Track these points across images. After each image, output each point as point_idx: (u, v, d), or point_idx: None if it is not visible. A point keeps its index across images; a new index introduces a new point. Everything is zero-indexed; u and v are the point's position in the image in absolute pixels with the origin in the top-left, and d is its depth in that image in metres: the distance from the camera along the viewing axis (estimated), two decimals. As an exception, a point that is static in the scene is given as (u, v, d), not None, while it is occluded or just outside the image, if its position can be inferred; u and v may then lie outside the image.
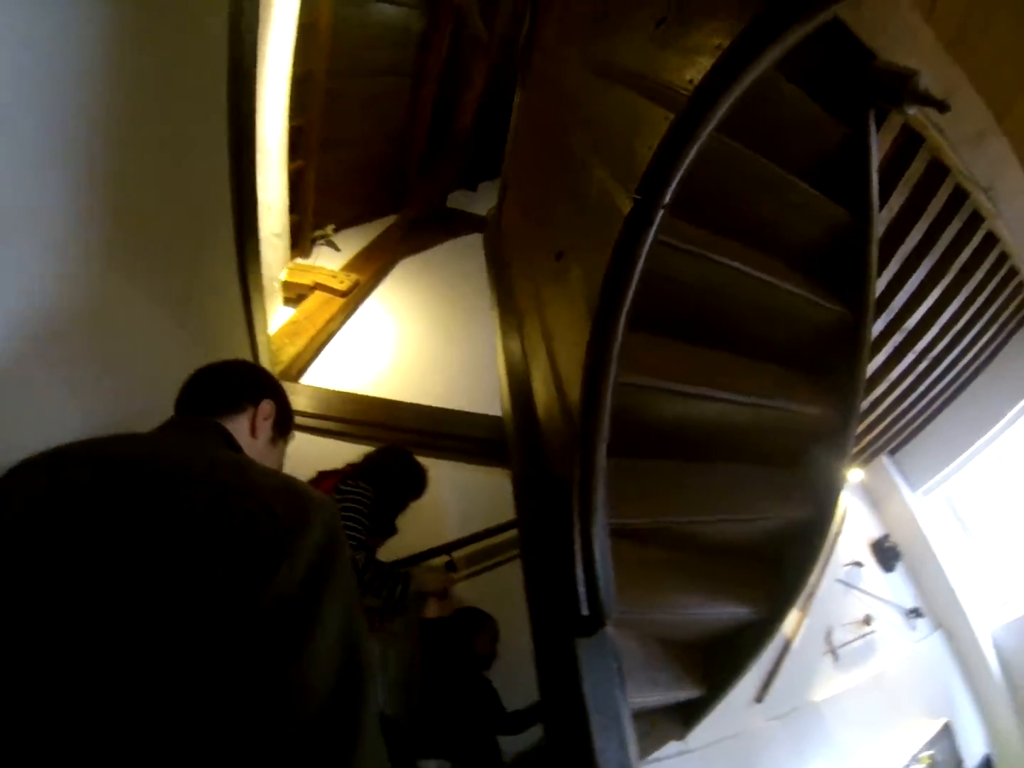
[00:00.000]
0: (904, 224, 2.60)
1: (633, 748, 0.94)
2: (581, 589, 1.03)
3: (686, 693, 1.66)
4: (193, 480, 0.64)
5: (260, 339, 2.10)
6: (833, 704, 2.85)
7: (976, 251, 3.08)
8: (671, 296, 1.22)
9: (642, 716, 1.77)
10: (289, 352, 2.55)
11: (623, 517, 1.21)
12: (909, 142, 2.39)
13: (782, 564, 1.62)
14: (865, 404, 3.50)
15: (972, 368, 4.12)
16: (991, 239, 3.08)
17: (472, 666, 1.89)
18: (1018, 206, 2.74)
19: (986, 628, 4.02)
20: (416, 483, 1.83)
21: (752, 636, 1.70)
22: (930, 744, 3.00)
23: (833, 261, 1.59)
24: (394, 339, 2.74)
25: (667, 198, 1.02)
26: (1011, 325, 3.97)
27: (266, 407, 0.98)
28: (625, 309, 1.00)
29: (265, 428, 0.97)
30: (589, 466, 1.02)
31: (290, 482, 0.70)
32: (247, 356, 2.07)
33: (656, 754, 1.98)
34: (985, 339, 3.87)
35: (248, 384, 1.02)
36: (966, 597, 4.08)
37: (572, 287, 1.14)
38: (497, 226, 1.93)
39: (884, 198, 2.39)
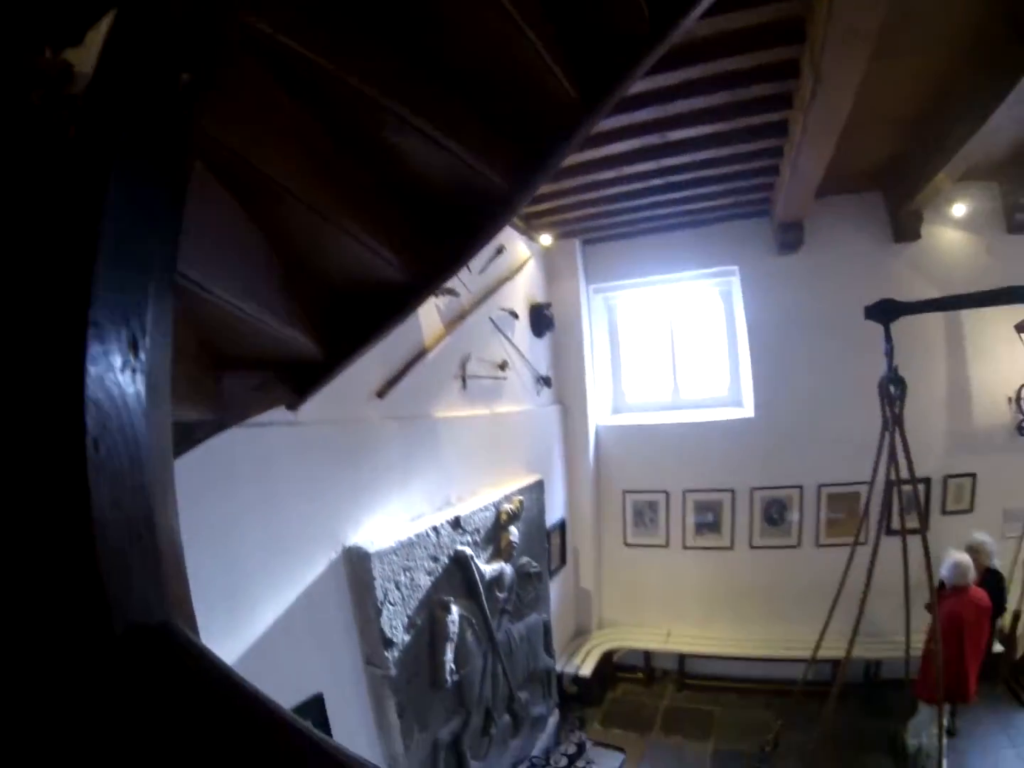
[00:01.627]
0: (732, 44, 2.51)
1: (159, 343, 0.64)
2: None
3: (302, 342, 1.59)
4: None
5: None
6: (449, 425, 3.20)
7: (767, 125, 3.23)
8: None
9: (258, 369, 1.67)
10: None
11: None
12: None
13: (443, 236, 1.57)
14: (588, 179, 3.66)
15: (691, 217, 4.61)
16: (782, 127, 3.25)
17: None
18: (824, 117, 2.85)
19: (595, 420, 5.11)
20: None
21: (388, 303, 1.67)
22: (523, 491, 3.56)
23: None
24: None
25: None
26: (745, 208, 4.51)
27: None
28: None
29: None
30: None
31: None
32: None
33: (262, 418, 1.85)
34: (717, 203, 4.32)
35: None
36: (591, 389, 5.05)
37: None
38: None
39: (731, 5, 2.24)
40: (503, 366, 3.84)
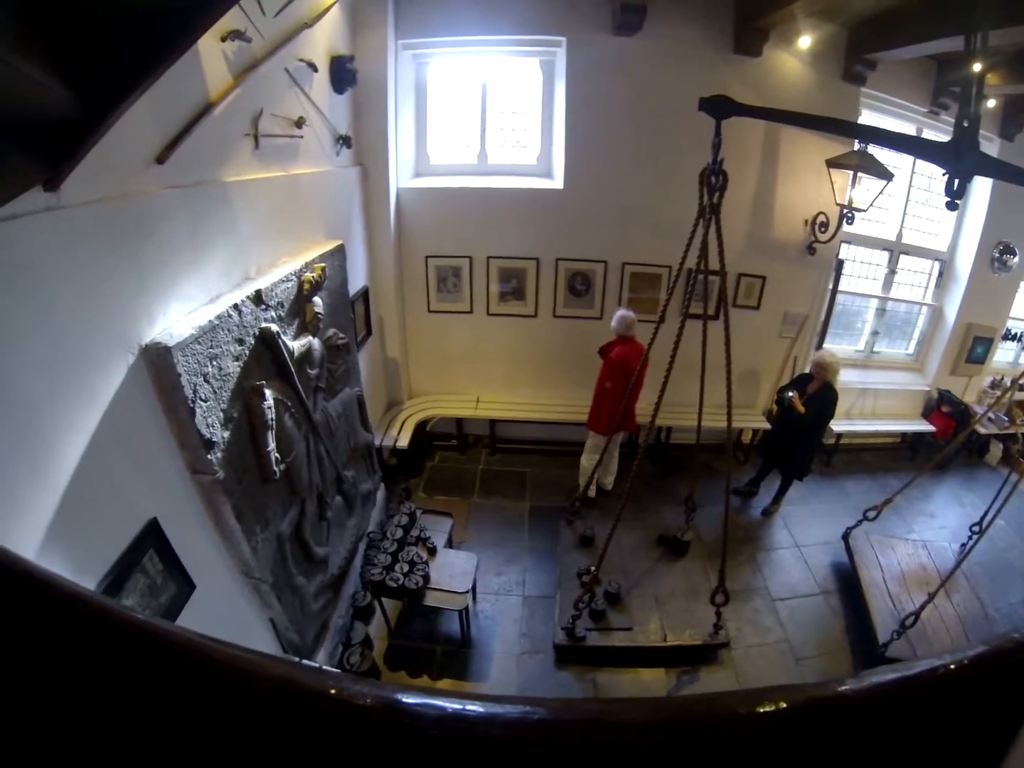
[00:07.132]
0: None
1: None
2: None
3: (53, 89, 1.01)
4: None
5: None
6: (242, 190, 2.56)
7: None
8: None
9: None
10: None
11: None
12: None
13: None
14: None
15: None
16: None
17: None
18: None
19: (396, 183, 4.58)
20: None
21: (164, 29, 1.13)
22: (324, 258, 3.18)
23: None
24: None
25: None
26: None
27: None
28: None
29: None
30: None
31: None
32: None
33: (13, 209, 1.36)
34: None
35: None
36: (393, 151, 4.43)
37: None
38: None
39: None
40: (299, 123, 3.13)
